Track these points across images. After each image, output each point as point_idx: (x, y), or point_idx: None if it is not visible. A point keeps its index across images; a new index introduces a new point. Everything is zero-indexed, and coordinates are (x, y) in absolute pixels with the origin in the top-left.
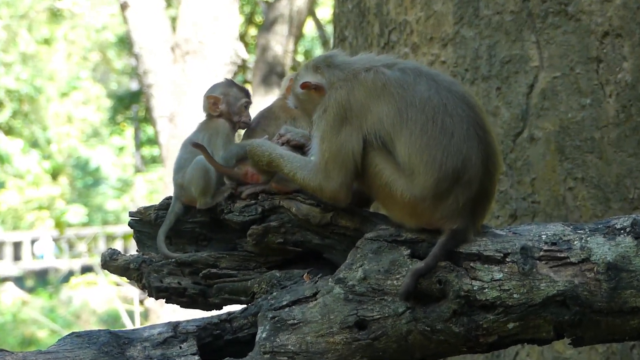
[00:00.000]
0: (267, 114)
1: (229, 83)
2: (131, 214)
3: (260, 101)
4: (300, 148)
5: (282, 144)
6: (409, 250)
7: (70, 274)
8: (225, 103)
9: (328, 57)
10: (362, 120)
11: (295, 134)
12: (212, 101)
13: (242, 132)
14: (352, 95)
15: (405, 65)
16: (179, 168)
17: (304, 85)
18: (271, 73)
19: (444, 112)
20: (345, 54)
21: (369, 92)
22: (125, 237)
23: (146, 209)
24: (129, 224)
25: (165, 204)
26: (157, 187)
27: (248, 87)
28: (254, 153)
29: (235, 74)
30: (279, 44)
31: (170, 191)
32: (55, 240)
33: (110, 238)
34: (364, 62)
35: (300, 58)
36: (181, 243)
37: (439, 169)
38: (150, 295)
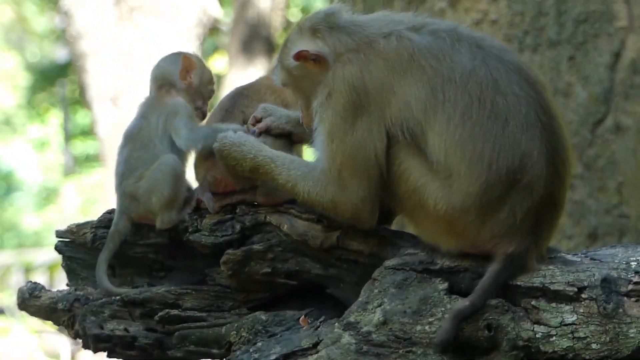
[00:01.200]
0: (248, 93)
1: (203, 62)
2: (59, 234)
3: (240, 76)
4: (284, 137)
5: (259, 134)
6: (445, 284)
7: None
8: (199, 77)
9: (330, 15)
10: (383, 107)
11: (278, 117)
12: (185, 64)
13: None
14: (367, 73)
15: (438, 26)
16: (129, 170)
17: (299, 56)
18: (254, 37)
19: (494, 90)
20: (353, 11)
21: (390, 67)
22: (50, 267)
23: (80, 226)
24: (57, 248)
25: (107, 219)
26: (94, 195)
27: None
28: (229, 154)
29: (204, 39)
30: None
31: (113, 202)
32: None
33: (28, 269)
34: (382, 23)
35: (295, 16)
36: (128, 274)
37: (487, 169)
38: (85, 346)
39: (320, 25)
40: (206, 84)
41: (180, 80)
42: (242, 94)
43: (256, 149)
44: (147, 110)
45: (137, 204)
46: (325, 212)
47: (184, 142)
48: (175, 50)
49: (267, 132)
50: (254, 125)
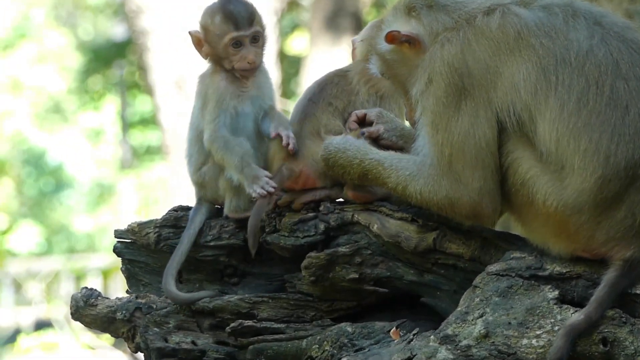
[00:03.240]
0: (338, 81)
1: (215, 8)
2: (118, 234)
3: (323, 58)
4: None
5: (366, 138)
6: (556, 292)
7: (17, 331)
8: (207, 43)
9: None
10: (489, 91)
11: (392, 128)
12: (194, 40)
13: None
14: (469, 53)
15: (551, 0)
16: (187, 158)
17: (391, 37)
18: (339, 13)
19: (614, 73)
20: None
21: (495, 47)
22: (104, 274)
23: (142, 225)
24: (115, 250)
25: (172, 217)
26: (155, 193)
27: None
28: (336, 162)
29: (282, 15)
30: None
31: (178, 199)
32: None
33: (79, 276)
34: None
35: None
36: (197, 280)
37: (604, 162)
38: None
39: (416, 3)
40: (219, 43)
41: (202, 56)
42: (331, 82)
43: (362, 153)
44: (197, 86)
45: (205, 191)
46: (441, 211)
47: (206, 144)
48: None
49: (376, 139)
50: (358, 122)
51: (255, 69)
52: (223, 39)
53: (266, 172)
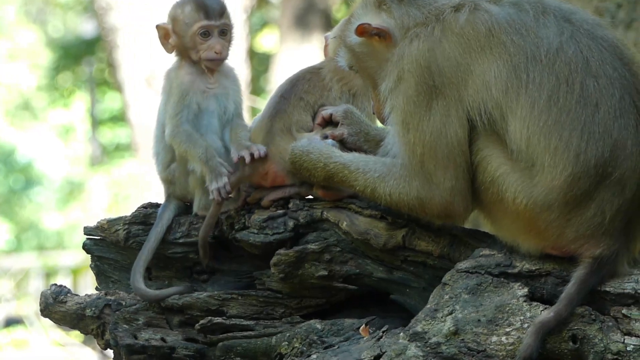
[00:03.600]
0: (310, 77)
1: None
2: (88, 231)
3: (293, 55)
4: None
5: (330, 139)
6: (525, 289)
7: None
8: (175, 34)
9: None
10: (460, 89)
11: (357, 131)
12: (160, 33)
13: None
14: (440, 51)
15: None
16: (154, 156)
17: (361, 30)
18: (309, 10)
19: (584, 70)
20: None
21: (466, 44)
22: (74, 271)
23: (111, 222)
24: (85, 247)
25: (142, 214)
26: (126, 190)
27: (272, 33)
28: (302, 165)
29: (251, 12)
30: None
31: (147, 196)
32: None
33: (49, 273)
34: None
35: None
36: (166, 277)
37: (574, 160)
38: (117, 358)
39: None
40: (187, 32)
41: (166, 50)
42: (303, 78)
43: (325, 156)
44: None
45: (175, 188)
46: (412, 212)
47: (165, 141)
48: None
49: (341, 141)
50: (323, 123)
51: (221, 60)
52: (192, 27)
53: (229, 169)
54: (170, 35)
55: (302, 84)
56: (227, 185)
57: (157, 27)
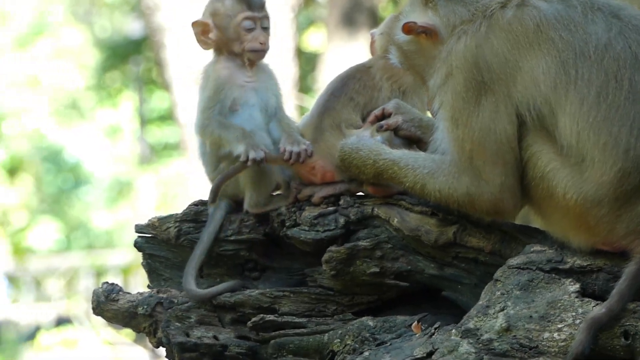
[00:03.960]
0: (361, 76)
1: None
2: (139, 229)
3: (340, 54)
4: (412, 142)
5: (386, 130)
6: (577, 285)
7: (37, 328)
8: (217, 28)
9: None
10: (508, 85)
11: (410, 119)
12: (199, 30)
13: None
14: (487, 47)
15: None
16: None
17: (408, 28)
18: (356, 8)
19: (633, 66)
20: None
21: (514, 40)
22: (124, 270)
23: (162, 220)
24: (136, 245)
25: (193, 212)
26: (174, 189)
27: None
28: (351, 163)
29: (299, 11)
30: None
31: (196, 195)
32: (11, 276)
33: (99, 272)
34: None
35: None
36: (218, 275)
37: (623, 155)
38: (169, 356)
39: None
40: (229, 24)
41: (204, 47)
42: (353, 77)
43: (375, 153)
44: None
45: (225, 186)
46: (461, 208)
47: (196, 132)
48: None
49: (395, 130)
50: (379, 118)
51: (265, 52)
52: (235, 18)
53: (267, 150)
54: (210, 30)
55: (353, 83)
56: (262, 155)
57: (195, 23)
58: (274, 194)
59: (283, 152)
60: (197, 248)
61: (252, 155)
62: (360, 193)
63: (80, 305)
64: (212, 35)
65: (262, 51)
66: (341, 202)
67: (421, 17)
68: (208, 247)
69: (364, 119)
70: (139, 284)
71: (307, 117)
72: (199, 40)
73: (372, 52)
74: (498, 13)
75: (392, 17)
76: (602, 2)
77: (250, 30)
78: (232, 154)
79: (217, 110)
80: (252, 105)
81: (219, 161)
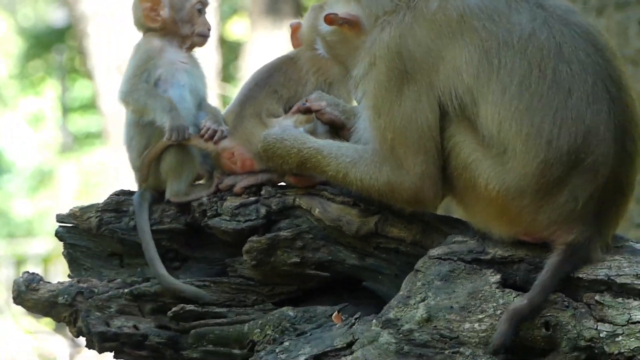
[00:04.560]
0: (287, 69)
1: None
2: (60, 219)
3: (264, 43)
4: (336, 129)
5: (308, 113)
6: (498, 276)
7: None
8: (170, 6)
9: None
10: (431, 75)
11: (335, 104)
12: (147, 5)
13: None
14: (411, 36)
15: None
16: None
17: (329, 20)
18: None
19: (556, 56)
20: None
21: (437, 30)
22: (45, 259)
23: (84, 210)
24: (57, 234)
25: (114, 202)
26: (96, 178)
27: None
28: (274, 152)
29: None
30: None
31: (118, 184)
32: None
33: (19, 261)
34: None
35: None
36: (138, 264)
37: (546, 146)
38: (89, 346)
39: None
40: (184, 6)
41: (151, 24)
42: (279, 69)
43: (300, 142)
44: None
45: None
46: (382, 198)
47: (119, 98)
48: None
49: (318, 115)
50: (301, 111)
51: (207, 39)
52: (189, 1)
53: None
54: (161, 8)
55: (278, 76)
56: (187, 133)
57: (142, 0)
58: (196, 183)
59: (202, 128)
60: (142, 238)
61: (175, 133)
62: (282, 183)
63: (1, 294)
64: (163, 12)
65: (207, 37)
66: (263, 192)
67: (344, 8)
68: (150, 232)
69: (286, 112)
70: (59, 273)
71: (230, 106)
72: (145, 16)
73: (293, 43)
74: (422, 3)
75: (316, 7)
76: None
77: (200, 15)
78: (154, 123)
79: (144, 78)
80: (183, 86)
81: (146, 147)
